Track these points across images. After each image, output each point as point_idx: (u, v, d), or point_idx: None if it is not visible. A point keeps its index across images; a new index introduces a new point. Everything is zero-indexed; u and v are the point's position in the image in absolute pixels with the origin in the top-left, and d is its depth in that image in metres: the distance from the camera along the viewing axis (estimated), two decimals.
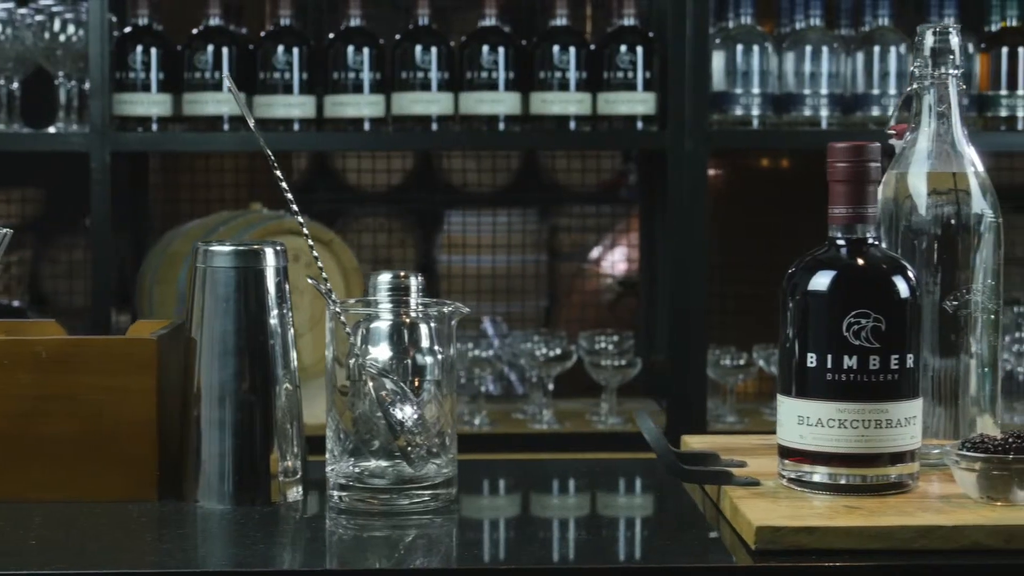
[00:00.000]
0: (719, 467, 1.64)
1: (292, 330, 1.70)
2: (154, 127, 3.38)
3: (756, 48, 3.44)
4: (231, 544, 1.58)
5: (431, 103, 3.38)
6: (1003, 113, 3.45)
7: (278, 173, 1.63)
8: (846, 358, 1.56)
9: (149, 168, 3.99)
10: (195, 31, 3.40)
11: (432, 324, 1.72)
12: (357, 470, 1.65)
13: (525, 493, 1.82)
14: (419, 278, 1.79)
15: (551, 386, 3.52)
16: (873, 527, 1.46)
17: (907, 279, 1.59)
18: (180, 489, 1.66)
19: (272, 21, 3.43)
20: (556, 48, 3.41)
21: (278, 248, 1.68)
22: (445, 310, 1.69)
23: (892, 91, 3.43)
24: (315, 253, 1.67)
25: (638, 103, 3.40)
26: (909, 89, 1.74)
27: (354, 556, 1.56)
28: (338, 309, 1.66)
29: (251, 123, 1.63)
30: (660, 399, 3.55)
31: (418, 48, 3.39)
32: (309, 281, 1.66)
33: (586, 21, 3.85)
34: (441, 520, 1.63)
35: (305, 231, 1.67)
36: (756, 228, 3.86)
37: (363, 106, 3.39)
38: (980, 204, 1.71)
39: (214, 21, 3.40)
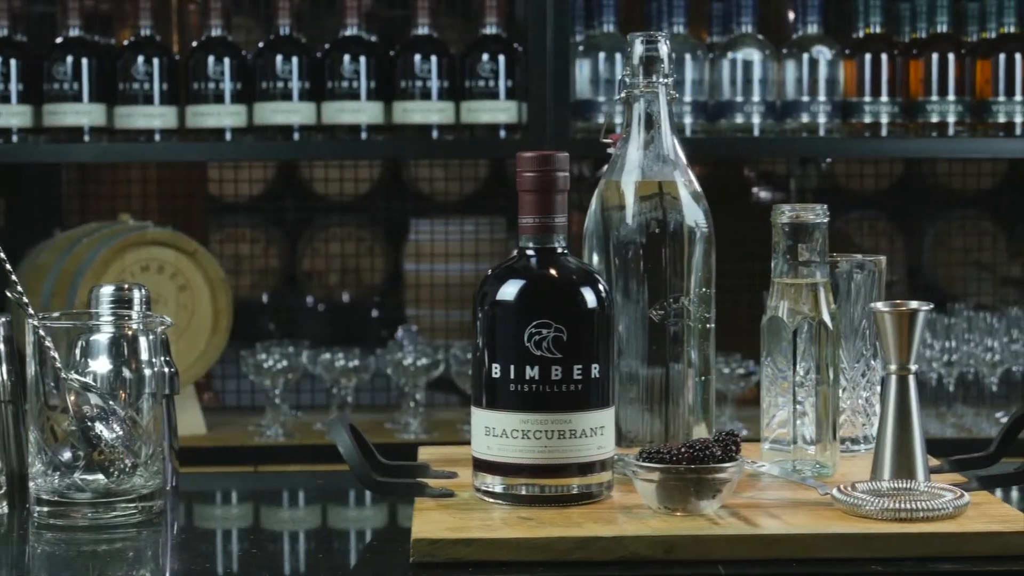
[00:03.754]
0: (414, 479, 1.64)
1: None
2: (14, 138, 3.37)
3: (619, 56, 3.43)
4: None
5: (292, 113, 3.38)
6: (867, 119, 3.44)
7: None
8: (528, 368, 1.55)
9: (63, 178, 3.99)
10: (57, 41, 3.40)
11: (151, 336, 1.72)
12: (61, 485, 1.65)
13: (256, 505, 1.82)
14: (143, 290, 1.79)
15: (419, 395, 3.52)
16: (531, 539, 1.45)
17: (596, 289, 1.58)
18: None
19: (133, 32, 3.43)
20: (418, 57, 3.40)
21: None
22: (152, 320, 1.69)
23: (756, 98, 3.42)
24: (8, 266, 1.66)
25: (500, 112, 3.40)
26: (618, 97, 1.73)
27: (54, 571, 1.55)
28: (36, 323, 1.65)
29: None
30: None
31: (279, 58, 3.39)
32: (8, 295, 1.65)
33: (450, 30, 3.85)
34: (148, 533, 1.63)
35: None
36: None
37: (224, 116, 3.39)
38: (691, 213, 1.70)
39: (74, 32, 3.40)
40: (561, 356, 1.55)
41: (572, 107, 3.40)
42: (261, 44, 3.44)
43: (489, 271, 1.60)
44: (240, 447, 3.43)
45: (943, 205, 4.17)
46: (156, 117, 3.38)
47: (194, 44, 3.45)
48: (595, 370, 1.57)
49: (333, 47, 3.42)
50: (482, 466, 1.59)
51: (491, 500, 1.58)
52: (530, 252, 1.59)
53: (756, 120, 3.43)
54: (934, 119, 3.43)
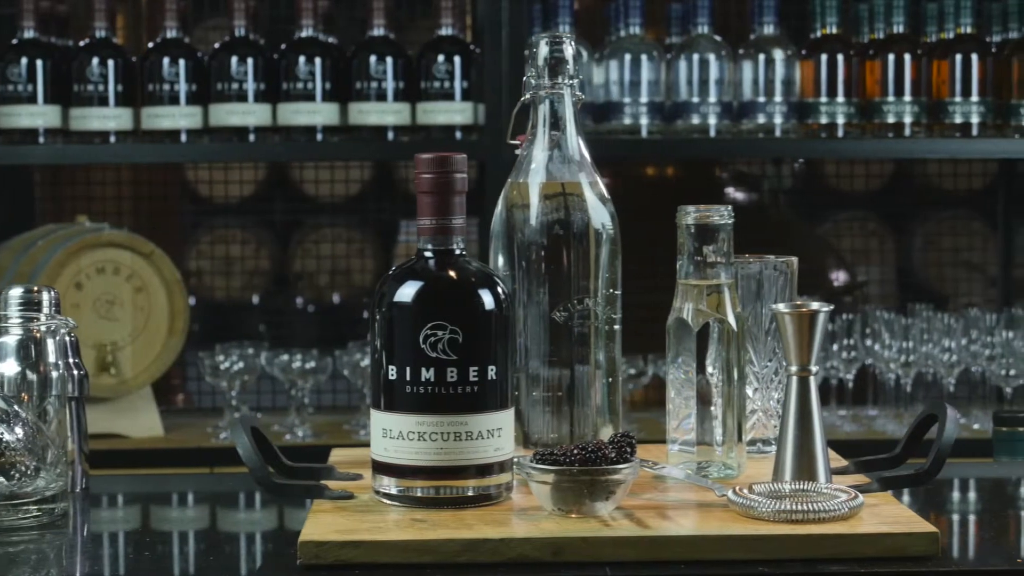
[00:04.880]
0: (314, 482, 1.64)
1: None
2: None
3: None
4: None
5: (247, 114, 3.38)
6: (823, 120, 3.43)
7: None
8: (424, 370, 1.55)
9: (33, 180, 4.00)
10: (12, 43, 3.40)
11: (57, 339, 1.72)
12: None
13: (164, 507, 1.82)
14: (52, 292, 1.78)
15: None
16: (419, 541, 1.45)
17: (494, 292, 1.58)
18: None
19: (89, 33, 3.43)
20: (373, 58, 3.40)
21: None
22: (55, 323, 1.69)
23: (712, 99, 3.42)
24: None
25: (456, 112, 3.40)
26: (523, 99, 1.73)
27: None
28: None
29: None
30: None
31: (234, 59, 3.38)
32: None
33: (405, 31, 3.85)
34: (51, 535, 1.62)
35: None
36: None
37: (179, 118, 3.39)
38: (596, 215, 1.70)
39: (29, 34, 3.40)
40: (456, 358, 1.55)
41: None
42: (217, 45, 3.44)
43: (389, 272, 1.60)
44: (196, 449, 3.42)
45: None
46: (111, 119, 3.39)
47: (149, 46, 3.45)
48: (492, 372, 1.56)
49: (288, 48, 3.42)
50: (380, 468, 1.59)
51: (389, 502, 1.58)
52: (428, 254, 1.59)
53: (712, 121, 3.43)
54: (890, 120, 3.43)
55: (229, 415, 3.49)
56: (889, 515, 1.52)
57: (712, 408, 1.68)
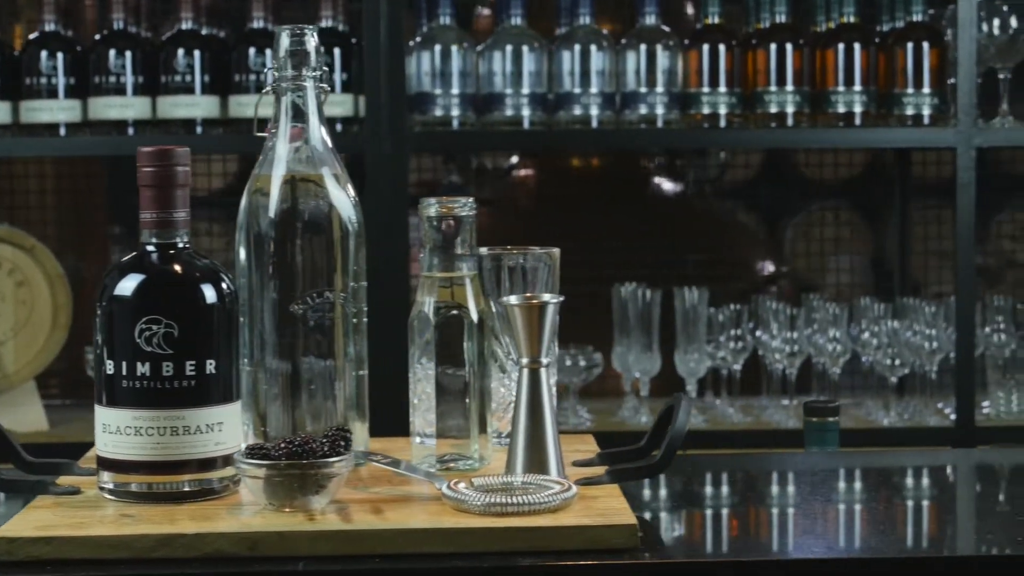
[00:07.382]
0: (38, 478, 1.63)
1: None
2: None
3: (455, 49, 3.42)
4: None
5: (126, 107, 3.37)
6: (706, 110, 3.42)
7: None
8: (139, 364, 1.54)
9: None
10: None
11: None
12: None
13: None
14: None
15: None
16: (112, 536, 1.44)
17: (218, 286, 1.57)
18: None
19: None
20: (252, 50, 3.39)
21: None
22: None
23: (594, 90, 3.40)
24: None
25: (336, 105, 3.38)
26: (265, 91, 1.72)
27: None
28: None
29: None
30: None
31: (112, 52, 3.37)
32: None
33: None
34: None
35: None
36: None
37: (58, 111, 3.38)
38: (339, 207, 1.69)
39: None
40: (172, 352, 1.54)
41: (409, 100, 3.39)
42: (97, 37, 3.43)
43: (114, 265, 1.59)
44: (79, 443, 3.40)
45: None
46: None
47: (30, 38, 3.44)
48: (211, 366, 1.55)
49: (168, 41, 3.41)
50: (103, 464, 1.58)
51: (111, 498, 1.57)
52: (151, 248, 1.58)
53: (595, 112, 3.41)
54: (772, 110, 3.41)
55: None
56: (600, 508, 1.50)
57: (447, 400, 1.66)
